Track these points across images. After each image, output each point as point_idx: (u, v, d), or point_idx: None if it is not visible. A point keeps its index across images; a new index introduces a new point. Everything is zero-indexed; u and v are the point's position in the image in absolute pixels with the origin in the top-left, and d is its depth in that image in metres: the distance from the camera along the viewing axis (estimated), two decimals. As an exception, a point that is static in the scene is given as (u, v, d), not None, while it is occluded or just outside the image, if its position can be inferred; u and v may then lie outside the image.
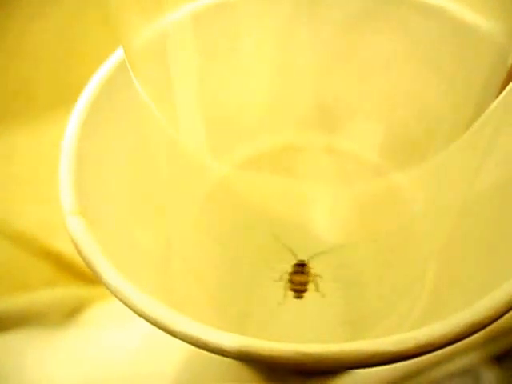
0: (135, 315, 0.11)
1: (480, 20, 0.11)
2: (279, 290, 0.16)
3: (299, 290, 0.15)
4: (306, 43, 0.15)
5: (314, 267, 0.15)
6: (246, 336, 0.09)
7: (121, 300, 0.11)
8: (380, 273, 0.16)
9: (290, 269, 0.16)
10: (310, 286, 0.15)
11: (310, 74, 0.16)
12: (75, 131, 0.13)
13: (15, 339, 0.20)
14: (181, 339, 0.10)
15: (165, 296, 0.13)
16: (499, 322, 0.11)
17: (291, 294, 0.15)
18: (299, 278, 0.15)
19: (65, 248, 0.23)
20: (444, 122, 0.14)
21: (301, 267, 0.16)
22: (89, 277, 0.21)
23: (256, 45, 0.13)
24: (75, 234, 0.12)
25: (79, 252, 0.12)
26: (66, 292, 0.21)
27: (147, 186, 0.14)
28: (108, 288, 0.11)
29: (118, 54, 0.14)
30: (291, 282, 0.16)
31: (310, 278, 0.16)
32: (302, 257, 0.16)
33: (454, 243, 0.15)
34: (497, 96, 0.12)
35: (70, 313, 0.20)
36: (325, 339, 0.14)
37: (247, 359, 0.09)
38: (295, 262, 0.16)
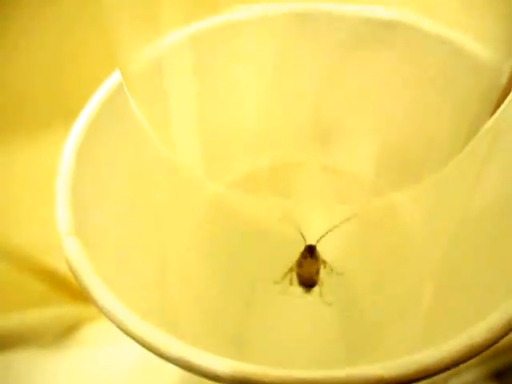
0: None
1: (473, 44, 0.12)
2: (277, 308, 0.15)
3: (308, 280, 0.15)
4: (303, 62, 0.15)
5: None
6: (240, 360, 0.09)
7: (112, 322, 0.11)
8: (378, 293, 0.16)
9: (297, 257, 0.15)
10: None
11: (308, 93, 0.16)
12: (72, 152, 0.13)
13: (11, 359, 0.20)
14: (173, 364, 0.10)
15: (160, 315, 0.13)
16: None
17: (295, 288, 0.15)
18: (308, 267, 0.15)
19: (61, 266, 0.23)
20: (440, 142, 0.14)
21: (309, 252, 0.15)
22: (84, 295, 0.21)
23: (253, 66, 0.13)
24: (70, 254, 0.12)
25: (73, 273, 0.12)
26: (61, 311, 0.21)
27: (144, 206, 0.14)
28: (101, 310, 0.11)
29: (116, 75, 0.14)
30: (299, 269, 0.15)
31: (320, 266, 0.15)
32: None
33: (450, 262, 0.15)
34: (491, 115, 0.13)
35: (65, 332, 0.20)
36: (322, 361, 0.14)
37: (241, 385, 0.09)
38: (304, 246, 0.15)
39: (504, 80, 0.12)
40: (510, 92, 0.12)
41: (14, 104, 0.28)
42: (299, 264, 0.15)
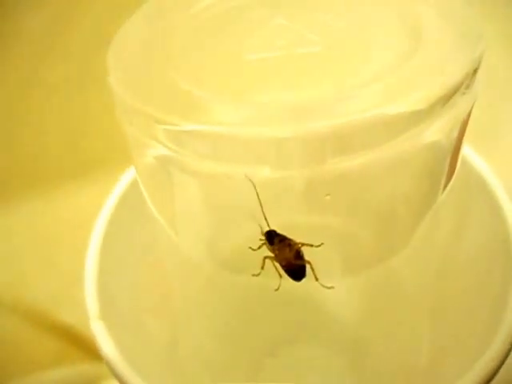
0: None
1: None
2: (283, 372, 0.17)
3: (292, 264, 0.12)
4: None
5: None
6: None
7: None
8: (383, 344, 0.18)
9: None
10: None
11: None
12: (97, 244, 0.15)
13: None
14: None
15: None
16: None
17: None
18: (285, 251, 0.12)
19: (74, 322, 0.24)
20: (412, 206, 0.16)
21: (274, 237, 0.12)
22: (98, 353, 0.22)
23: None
24: (99, 337, 0.14)
25: (102, 353, 0.14)
26: (74, 370, 0.22)
27: (156, 285, 0.16)
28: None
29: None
30: (277, 255, 0.12)
31: (298, 246, 0.12)
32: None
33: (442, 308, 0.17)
34: (443, 190, 0.14)
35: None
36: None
37: None
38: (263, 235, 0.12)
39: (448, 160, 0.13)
40: (454, 169, 0.14)
41: (28, 159, 0.28)
42: (273, 251, 0.12)
